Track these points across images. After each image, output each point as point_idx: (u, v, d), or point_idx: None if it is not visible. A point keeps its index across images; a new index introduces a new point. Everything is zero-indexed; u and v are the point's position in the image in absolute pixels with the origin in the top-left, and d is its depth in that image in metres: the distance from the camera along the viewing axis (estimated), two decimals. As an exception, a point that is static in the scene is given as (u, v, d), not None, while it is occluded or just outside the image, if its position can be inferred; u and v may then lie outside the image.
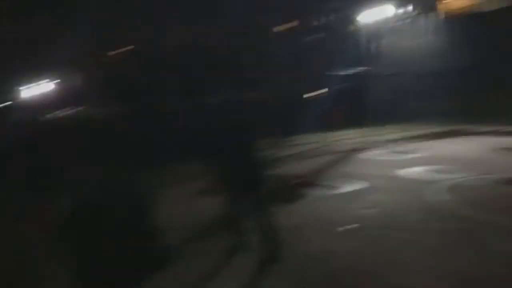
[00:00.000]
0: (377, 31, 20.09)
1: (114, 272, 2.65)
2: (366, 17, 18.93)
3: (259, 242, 4.46)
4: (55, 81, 16.56)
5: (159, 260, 2.71)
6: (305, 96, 18.49)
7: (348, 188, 7.71)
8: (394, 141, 15.22)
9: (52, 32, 13.26)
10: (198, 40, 16.28)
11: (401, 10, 19.11)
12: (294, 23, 18.99)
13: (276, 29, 18.60)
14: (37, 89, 17.57)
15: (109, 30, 14.04)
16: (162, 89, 13.75)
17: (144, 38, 15.41)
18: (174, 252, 4.22)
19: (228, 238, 4.69)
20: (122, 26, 14.05)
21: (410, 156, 11.52)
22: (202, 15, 16.07)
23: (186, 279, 3.94)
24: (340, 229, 5.28)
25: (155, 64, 14.66)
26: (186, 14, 15.31)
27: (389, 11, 18.85)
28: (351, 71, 18.71)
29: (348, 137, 15.73)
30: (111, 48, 14.89)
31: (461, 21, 17.52)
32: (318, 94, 18.25)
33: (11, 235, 5.75)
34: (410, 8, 18.96)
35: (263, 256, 4.34)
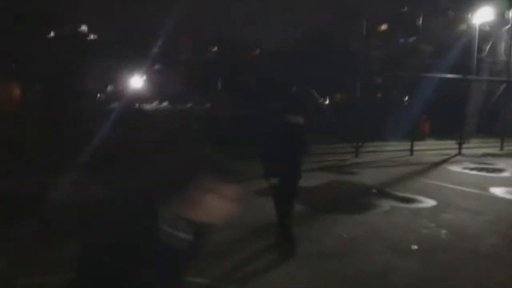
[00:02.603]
0: (488, 33, 18.51)
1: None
2: (479, 16, 17.29)
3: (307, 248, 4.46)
4: (144, 77, 17.84)
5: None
6: (394, 101, 17.78)
7: (423, 203, 7.37)
8: (486, 155, 14.12)
9: (144, 29, 14.36)
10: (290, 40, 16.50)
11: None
12: (388, 24, 18.26)
13: (368, 30, 18.05)
14: (129, 84, 19.15)
15: (202, 30, 14.82)
16: (251, 88, 14.21)
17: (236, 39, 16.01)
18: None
19: (274, 241, 4.71)
20: (216, 26, 14.77)
21: (498, 174, 10.67)
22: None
23: (222, 279, 4.03)
24: (403, 247, 5.12)
25: (244, 64, 15.17)
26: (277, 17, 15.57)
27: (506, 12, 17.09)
28: (449, 76, 17.54)
29: (437, 148, 14.88)
30: (200, 47, 15.70)
31: None
32: (409, 99, 17.42)
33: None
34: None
35: (309, 262, 4.35)
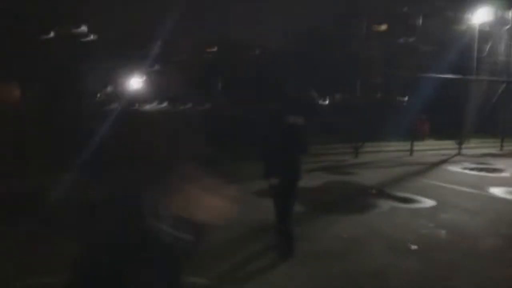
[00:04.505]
0: (490, 34, 18.53)
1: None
2: (479, 16, 17.27)
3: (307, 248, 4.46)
4: (144, 77, 17.85)
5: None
6: (393, 101, 17.78)
7: (423, 203, 7.38)
8: (486, 155, 14.13)
9: (144, 29, 14.38)
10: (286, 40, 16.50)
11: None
12: (387, 24, 18.27)
13: (368, 30, 18.07)
14: (129, 84, 19.14)
15: (202, 30, 14.84)
16: (246, 87, 14.23)
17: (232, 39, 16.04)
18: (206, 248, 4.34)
19: (276, 242, 4.69)
20: (216, 26, 14.78)
21: (498, 174, 10.69)
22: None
23: (223, 279, 4.03)
24: (403, 247, 5.13)
25: (241, 64, 15.20)
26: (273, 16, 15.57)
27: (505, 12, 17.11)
28: (449, 76, 17.56)
29: (436, 148, 14.90)
30: (200, 47, 15.72)
31: None
32: (407, 99, 17.43)
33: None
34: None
35: (309, 263, 4.35)
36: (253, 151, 5.19)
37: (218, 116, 12.45)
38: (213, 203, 1.90)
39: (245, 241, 5.11)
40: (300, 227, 5.23)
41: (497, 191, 8.55)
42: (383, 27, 18.65)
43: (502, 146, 16.21)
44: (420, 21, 15.74)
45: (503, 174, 10.76)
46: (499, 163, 12.38)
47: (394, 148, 13.96)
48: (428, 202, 7.42)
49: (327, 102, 15.65)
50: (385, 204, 7.20)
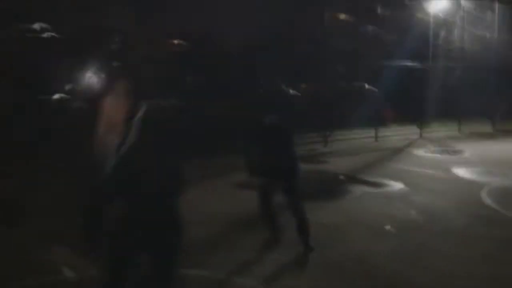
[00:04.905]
0: (445, 21, 19.26)
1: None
2: (435, 4, 17.96)
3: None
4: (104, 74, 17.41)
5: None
6: (358, 89, 18.22)
7: (393, 187, 7.70)
8: (446, 138, 14.82)
9: (103, 25, 14.03)
10: (252, 31, 16.52)
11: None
12: (350, 14, 18.64)
13: (333, 18, 18.37)
14: (89, 80, 18.54)
15: (164, 22, 14.63)
16: (215, 81, 14.18)
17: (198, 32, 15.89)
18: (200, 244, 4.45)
19: (262, 232, 4.76)
20: (178, 18, 14.59)
21: (459, 156, 11.27)
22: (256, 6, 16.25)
23: (215, 270, 4.09)
24: (379, 230, 5.37)
25: (207, 58, 15.11)
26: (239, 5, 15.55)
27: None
28: (409, 64, 18.16)
29: (399, 133, 15.45)
30: (165, 40, 15.48)
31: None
32: (373, 87, 17.91)
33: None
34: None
35: (296, 250, 4.45)
36: (227, 146, 5.26)
37: (189, 114, 12.31)
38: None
39: (233, 232, 5.23)
40: (279, 215, 5.35)
41: (459, 171, 9.02)
42: (345, 16, 19.01)
43: (460, 129, 17.04)
44: (384, 10, 16.18)
45: (463, 155, 11.33)
46: (458, 145, 13.02)
47: (361, 135, 14.36)
48: (398, 186, 7.74)
49: (299, 93, 15.80)
50: (358, 190, 7.46)
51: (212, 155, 9.69)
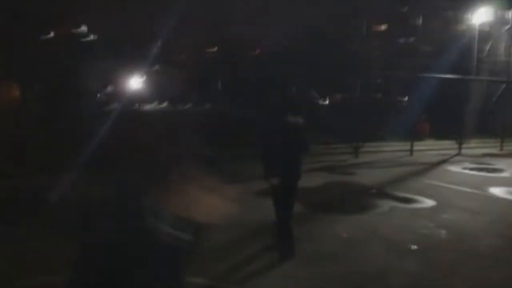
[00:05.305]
0: (487, 33, 18.54)
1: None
2: (479, 16, 17.34)
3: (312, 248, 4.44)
4: (144, 77, 17.84)
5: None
6: (394, 100, 17.78)
7: (423, 203, 7.38)
8: (486, 156, 14.14)
9: (143, 30, 14.40)
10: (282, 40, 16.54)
11: None
12: (388, 24, 18.27)
13: (368, 30, 18.07)
14: (129, 84, 19.07)
15: (201, 29, 14.87)
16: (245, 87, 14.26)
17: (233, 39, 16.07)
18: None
19: (273, 241, 4.69)
20: (215, 26, 14.81)
21: (498, 174, 10.70)
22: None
23: (223, 279, 4.04)
24: (403, 247, 5.13)
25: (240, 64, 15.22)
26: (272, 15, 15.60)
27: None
28: (450, 76, 17.55)
29: (436, 148, 14.90)
30: (200, 47, 15.73)
31: None
32: (408, 100, 17.42)
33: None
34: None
35: (311, 263, 4.34)
36: (253, 151, 5.18)
37: (218, 116, 12.44)
38: (213, 203, 1.89)
39: (245, 241, 5.11)
40: (300, 226, 5.22)
41: (497, 191, 8.55)
42: (383, 27, 18.65)
43: (502, 146, 16.22)
44: (420, 21, 15.74)
45: (503, 174, 10.76)
46: (499, 163, 12.37)
47: (394, 148, 13.95)
48: (428, 202, 7.42)
49: (327, 102, 15.62)
50: (386, 204, 7.20)
51: (226, 160, 9.61)
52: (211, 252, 4.43)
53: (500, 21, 18.40)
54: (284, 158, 4.43)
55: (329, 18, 17.23)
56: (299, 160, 4.57)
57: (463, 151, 14.71)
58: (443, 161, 12.66)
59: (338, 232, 5.20)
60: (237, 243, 4.98)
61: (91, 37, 16.54)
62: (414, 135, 14.41)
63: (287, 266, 4.36)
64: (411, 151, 13.82)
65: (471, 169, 11.43)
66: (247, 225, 5.34)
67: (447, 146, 14.87)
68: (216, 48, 15.99)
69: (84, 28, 15.75)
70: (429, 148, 14.67)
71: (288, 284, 4.01)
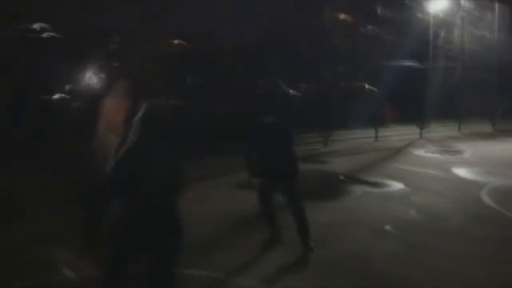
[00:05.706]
0: (445, 21, 19.27)
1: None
2: (435, 4, 18.00)
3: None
4: (103, 74, 17.38)
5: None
6: (358, 89, 18.22)
7: (393, 187, 7.71)
8: (446, 138, 14.83)
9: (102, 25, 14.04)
10: (250, 30, 16.53)
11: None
12: (350, 14, 18.62)
13: (333, 18, 18.37)
14: (90, 80, 18.50)
15: (164, 21, 14.62)
16: (214, 80, 14.20)
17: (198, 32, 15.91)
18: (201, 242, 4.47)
19: (262, 232, 4.75)
20: (177, 17, 14.58)
21: (459, 156, 11.26)
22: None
23: (215, 271, 4.10)
24: (379, 230, 5.37)
25: (206, 57, 15.13)
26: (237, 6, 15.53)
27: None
28: (409, 63, 18.16)
29: (399, 133, 15.46)
30: (165, 40, 15.47)
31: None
32: (373, 87, 17.91)
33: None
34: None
35: (296, 250, 4.43)
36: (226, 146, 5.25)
37: (189, 112, 12.33)
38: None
39: (233, 232, 5.24)
40: (281, 215, 5.35)
41: (460, 171, 9.03)
42: (345, 16, 18.99)
43: (460, 128, 17.05)
44: (383, 10, 16.20)
45: (464, 155, 11.34)
46: (458, 145, 13.02)
47: (360, 135, 14.38)
48: (398, 186, 7.75)
49: (299, 93, 15.80)
50: (358, 190, 7.46)
51: (212, 154, 9.71)
52: (200, 244, 4.51)
53: (455, 9, 19.17)
54: (268, 158, 4.45)
55: (296, 7, 17.35)
56: (288, 158, 4.53)
57: (425, 135, 15.36)
58: (407, 145, 13.18)
59: (317, 218, 5.35)
60: (226, 234, 5.13)
61: (48, 34, 15.95)
62: (379, 122, 14.89)
63: (276, 254, 4.47)
64: (377, 137, 14.28)
65: (433, 151, 11.98)
66: (234, 216, 5.56)
67: (410, 131, 15.47)
68: (180, 41, 15.77)
69: (41, 25, 15.16)
70: (393, 134, 15.21)
71: (278, 271, 4.12)
